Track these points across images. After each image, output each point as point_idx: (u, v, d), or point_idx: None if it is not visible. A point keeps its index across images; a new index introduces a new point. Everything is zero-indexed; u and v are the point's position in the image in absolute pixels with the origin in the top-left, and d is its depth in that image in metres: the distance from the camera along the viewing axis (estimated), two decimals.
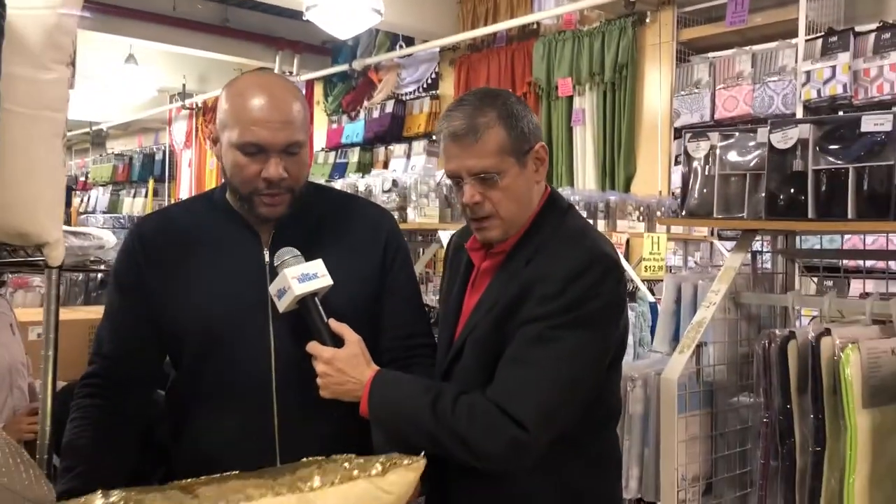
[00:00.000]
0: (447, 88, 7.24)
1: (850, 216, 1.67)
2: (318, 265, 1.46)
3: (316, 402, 1.48)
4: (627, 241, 4.89)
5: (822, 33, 4.69)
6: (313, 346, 1.45)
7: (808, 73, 4.72)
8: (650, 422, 1.83)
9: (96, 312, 3.33)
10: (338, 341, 1.45)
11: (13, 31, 1.17)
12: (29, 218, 1.22)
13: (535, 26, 6.51)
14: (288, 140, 1.48)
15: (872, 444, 1.51)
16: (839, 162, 1.70)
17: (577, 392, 1.40)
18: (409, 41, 7.46)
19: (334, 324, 1.46)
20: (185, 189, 10.93)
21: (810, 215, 1.73)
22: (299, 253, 1.48)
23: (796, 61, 4.84)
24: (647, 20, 5.69)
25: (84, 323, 3.29)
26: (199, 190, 10.58)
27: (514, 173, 1.46)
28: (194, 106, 10.37)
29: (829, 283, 3.40)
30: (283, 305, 1.46)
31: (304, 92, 8.70)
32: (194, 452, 1.55)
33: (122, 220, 9.44)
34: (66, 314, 3.29)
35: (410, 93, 7.62)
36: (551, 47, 6.26)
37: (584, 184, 6.03)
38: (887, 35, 4.43)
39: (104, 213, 11.57)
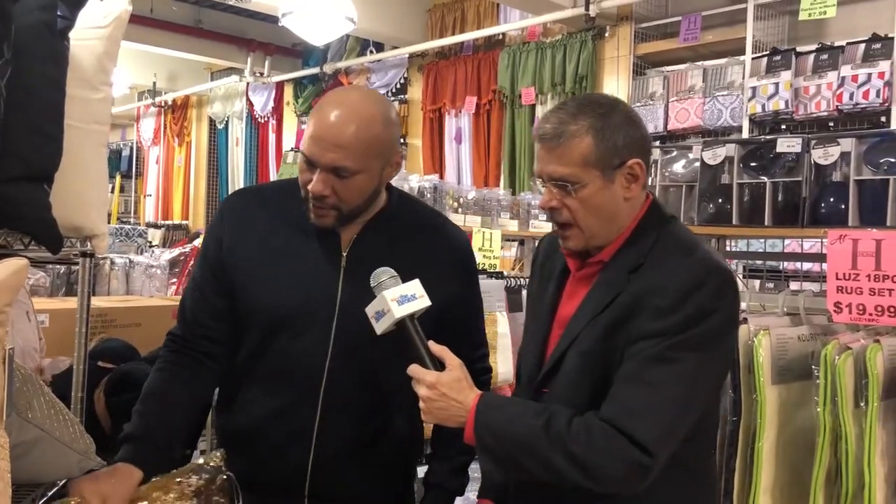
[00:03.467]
0: (415, 93, 7.50)
1: (766, 223, 1.98)
2: (415, 286, 1.43)
3: (359, 401, 1.58)
4: None
5: (768, 52, 5.04)
6: (415, 370, 1.40)
7: (753, 88, 5.06)
8: None
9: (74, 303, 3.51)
10: (438, 364, 1.41)
11: (72, 58, 1.41)
12: (83, 214, 1.46)
13: (500, 37, 6.81)
14: (333, 163, 1.47)
15: (779, 416, 1.81)
16: (759, 177, 2.01)
17: (695, 413, 1.36)
18: (379, 47, 7.71)
19: (435, 346, 1.42)
20: (151, 185, 11.02)
21: (734, 222, 2.03)
22: (396, 273, 1.45)
23: (743, 77, 5.18)
24: (607, 34, 6.01)
25: (71, 312, 3.39)
26: (168, 186, 10.70)
27: (597, 186, 1.39)
28: (163, 104, 10.46)
29: (770, 284, 3.75)
30: (381, 327, 1.42)
31: (272, 93, 8.91)
32: (238, 425, 1.63)
33: None
34: (54, 304, 3.47)
35: None
36: (516, 57, 6.56)
37: None
38: (825, 56, 4.80)
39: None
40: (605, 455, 1.30)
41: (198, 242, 6.56)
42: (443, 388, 1.38)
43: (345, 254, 1.59)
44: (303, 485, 1.61)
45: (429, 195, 3.12)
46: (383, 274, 1.45)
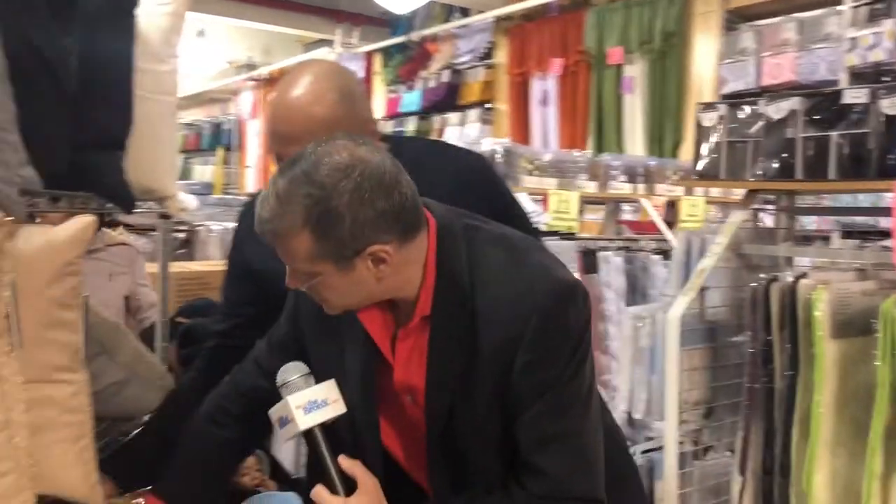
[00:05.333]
0: (501, 57, 7.48)
1: (831, 177, 1.94)
2: (328, 389, 1.26)
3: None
4: (671, 203, 5.11)
5: (868, 0, 4.78)
6: (318, 494, 1.22)
7: (852, 39, 4.82)
8: (656, 354, 2.13)
9: (180, 267, 3.74)
10: (350, 484, 1.23)
11: (140, 34, 1.53)
12: (156, 178, 1.60)
13: None
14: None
15: (838, 370, 1.78)
16: (824, 130, 1.96)
17: (600, 425, 1.28)
18: (465, 12, 7.71)
19: (346, 463, 1.24)
20: (252, 157, 11.43)
21: (798, 176, 2.00)
22: (308, 370, 1.29)
23: (841, 28, 4.93)
24: None
25: (170, 276, 3.60)
26: (268, 158, 11.07)
27: (337, 275, 1.18)
28: (260, 77, 10.80)
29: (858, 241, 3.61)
30: (285, 436, 1.27)
31: (363, 63, 9.05)
32: None
33: (195, 187, 9.96)
34: (152, 268, 3.72)
35: (466, 62, 7.87)
36: (602, 16, 6.45)
37: (632, 150, 6.24)
38: None
39: (177, 181, 12.12)
40: None
41: None
42: None
43: None
44: None
45: (500, 158, 3.15)
46: (292, 372, 1.28)
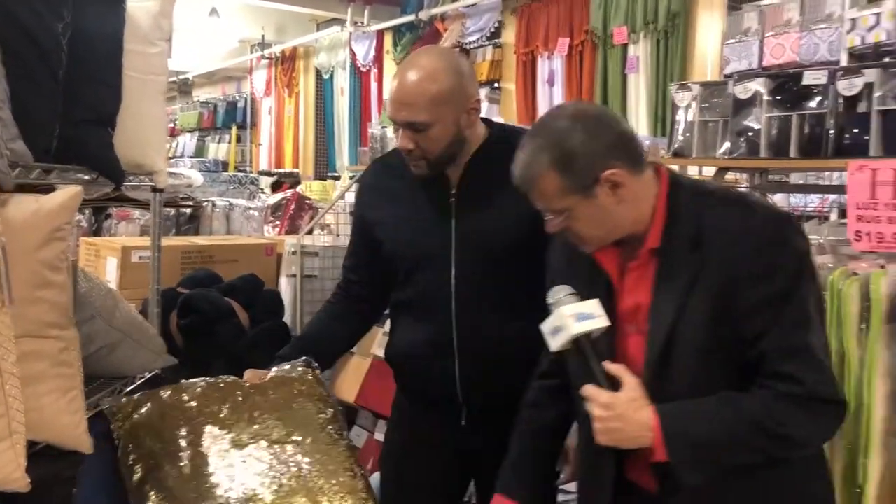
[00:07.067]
0: (509, 37, 7.53)
1: (792, 155, 2.02)
2: (594, 305, 1.42)
3: (489, 318, 1.81)
4: None
5: None
6: (589, 391, 1.39)
7: (853, 20, 4.82)
8: None
9: (185, 241, 3.86)
10: (615, 384, 1.39)
11: (130, 18, 1.64)
12: (143, 153, 1.71)
13: None
14: (407, 119, 1.71)
15: None
16: (787, 110, 2.04)
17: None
18: None
19: (611, 366, 1.40)
20: (265, 135, 11.56)
21: (762, 154, 2.08)
22: (573, 290, 1.46)
23: (843, 9, 4.95)
24: None
25: (176, 249, 3.63)
26: (280, 135, 11.21)
27: (584, 205, 1.40)
28: (273, 56, 10.90)
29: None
30: (556, 344, 1.43)
31: (374, 42, 9.13)
32: (396, 350, 1.97)
33: (207, 164, 10.11)
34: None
35: (475, 41, 7.93)
36: None
37: (637, 130, 6.30)
38: None
39: (191, 157, 12.30)
40: (820, 426, 1.37)
41: (300, 188, 6.94)
42: (619, 409, 1.36)
43: (454, 191, 1.83)
44: (455, 395, 1.87)
45: None
46: (560, 291, 1.46)
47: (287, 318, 3.29)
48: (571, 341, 1.40)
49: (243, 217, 4.65)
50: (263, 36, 10.30)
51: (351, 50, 9.50)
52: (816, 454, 1.48)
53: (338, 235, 3.96)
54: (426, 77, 1.70)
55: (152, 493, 1.52)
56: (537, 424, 1.69)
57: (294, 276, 3.64)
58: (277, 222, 5.34)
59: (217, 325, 2.55)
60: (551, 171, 1.39)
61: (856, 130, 1.94)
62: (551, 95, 7.17)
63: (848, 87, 1.93)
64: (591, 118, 1.42)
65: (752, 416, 1.33)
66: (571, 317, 1.40)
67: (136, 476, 1.55)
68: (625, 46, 6.38)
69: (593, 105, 1.50)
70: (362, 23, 8.98)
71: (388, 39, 9.07)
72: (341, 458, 1.64)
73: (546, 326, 1.45)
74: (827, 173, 3.24)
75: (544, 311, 1.48)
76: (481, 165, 1.83)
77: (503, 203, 1.76)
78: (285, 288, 3.65)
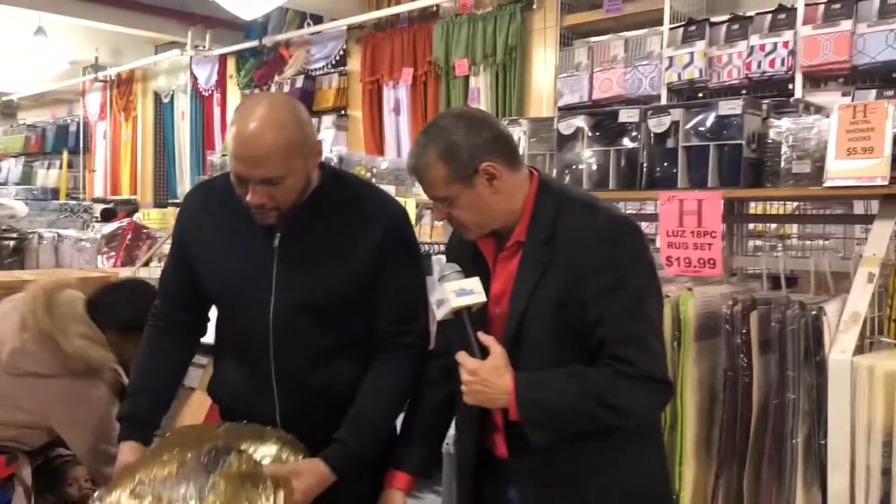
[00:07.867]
0: (355, 65, 7.59)
1: (612, 188, 2.17)
2: (474, 283, 1.60)
3: (307, 361, 1.78)
4: None
5: (684, 22, 5.22)
6: (461, 357, 1.57)
7: (671, 58, 5.23)
8: None
9: (9, 276, 3.61)
10: (484, 353, 1.56)
11: None
12: None
13: (434, 9, 6.90)
14: (264, 176, 1.64)
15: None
16: (605, 146, 2.18)
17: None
18: (318, 19, 7.77)
19: (483, 336, 1.57)
20: (99, 161, 10.99)
21: (585, 187, 2.22)
22: (460, 269, 1.62)
23: (662, 47, 5.36)
24: (534, 6, 6.14)
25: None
26: (116, 161, 10.68)
27: (466, 195, 1.58)
28: (108, 78, 10.41)
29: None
30: (440, 314, 1.61)
31: (216, 66, 8.93)
32: (218, 387, 1.93)
33: (34, 192, 9.44)
34: None
35: (320, 68, 7.93)
36: (449, 29, 6.68)
37: None
38: (736, 26, 4.98)
39: (17, 184, 11.47)
40: (646, 402, 1.55)
41: (137, 216, 6.64)
42: (483, 374, 1.54)
43: (278, 234, 1.77)
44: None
45: (336, 164, 3.26)
46: (448, 268, 1.64)
47: None
48: (452, 312, 1.59)
49: (74, 249, 4.40)
50: (97, 58, 9.82)
51: (192, 74, 9.25)
52: (650, 426, 1.68)
53: None
54: (273, 130, 1.62)
55: None
56: (431, 404, 1.82)
57: None
58: (112, 253, 5.10)
59: None
60: (438, 161, 1.57)
61: (665, 164, 2.12)
62: (398, 124, 7.29)
63: (657, 124, 2.10)
64: (474, 118, 1.64)
65: (592, 387, 1.51)
66: (454, 292, 1.58)
67: None
68: (466, 78, 6.59)
69: (477, 109, 1.72)
70: (204, 47, 8.76)
71: (231, 64, 8.90)
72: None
73: (433, 298, 1.64)
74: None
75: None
76: (311, 213, 1.78)
77: (331, 253, 1.75)
78: None
